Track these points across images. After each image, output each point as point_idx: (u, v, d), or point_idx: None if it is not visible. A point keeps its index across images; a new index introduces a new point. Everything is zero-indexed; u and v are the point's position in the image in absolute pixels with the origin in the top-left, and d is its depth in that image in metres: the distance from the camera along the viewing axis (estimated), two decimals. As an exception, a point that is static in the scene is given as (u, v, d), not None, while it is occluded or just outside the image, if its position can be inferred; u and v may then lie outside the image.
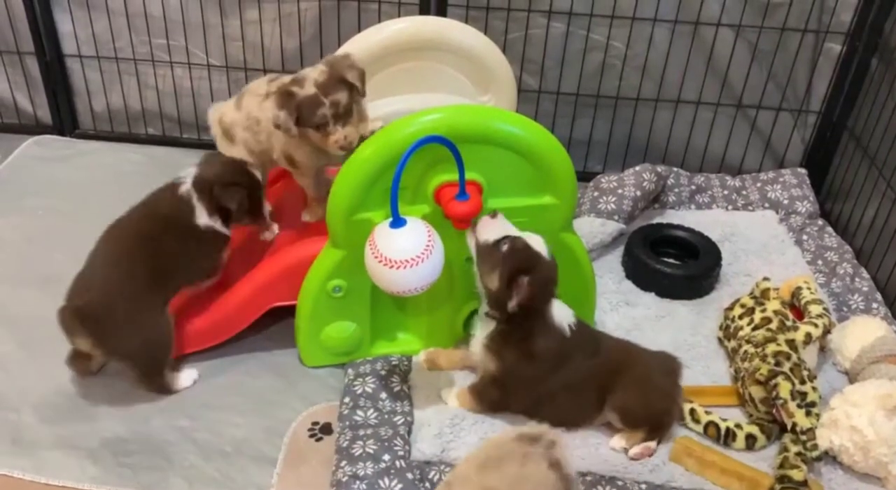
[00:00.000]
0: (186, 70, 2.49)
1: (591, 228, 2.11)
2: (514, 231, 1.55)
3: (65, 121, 2.61)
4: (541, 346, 1.56)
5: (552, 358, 1.57)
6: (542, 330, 1.56)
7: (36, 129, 2.62)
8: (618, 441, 1.61)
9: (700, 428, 1.63)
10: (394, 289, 1.52)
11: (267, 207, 1.78)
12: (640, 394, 1.58)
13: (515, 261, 1.51)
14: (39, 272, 2.02)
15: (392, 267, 1.48)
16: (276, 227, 1.81)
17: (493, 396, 1.64)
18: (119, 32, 2.45)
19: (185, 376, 1.73)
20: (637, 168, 2.23)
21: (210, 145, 2.61)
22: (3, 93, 2.59)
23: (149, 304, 1.64)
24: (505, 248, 1.52)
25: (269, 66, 2.44)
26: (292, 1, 2.34)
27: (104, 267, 1.64)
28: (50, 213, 2.25)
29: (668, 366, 1.63)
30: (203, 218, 1.68)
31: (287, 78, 1.71)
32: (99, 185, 2.39)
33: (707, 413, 1.64)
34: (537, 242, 1.55)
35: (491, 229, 1.55)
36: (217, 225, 1.70)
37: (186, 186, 1.69)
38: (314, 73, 1.66)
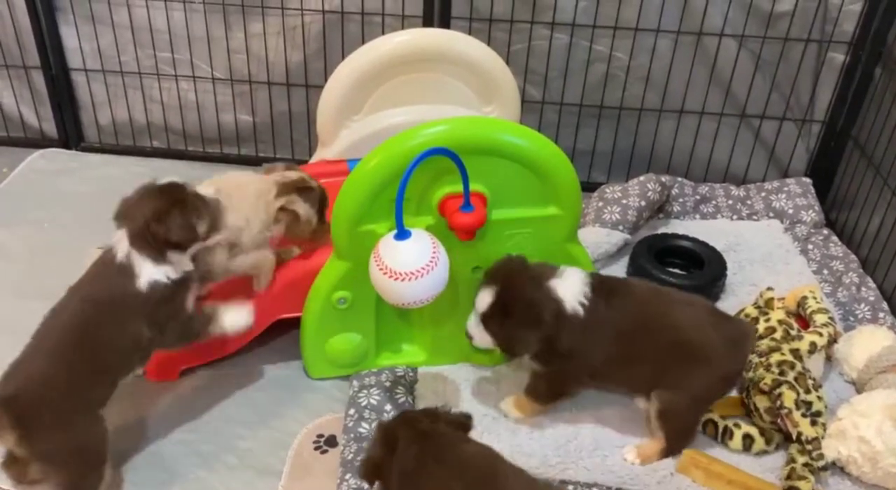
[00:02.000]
0: (191, 83, 2.50)
1: (597, 239, 2.11)
2: (486, 300, 1.54)
3: (70, 134, 2.62)
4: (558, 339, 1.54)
5: (570, 347, 1.55)
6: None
7: (42, 142, 2.63)
8: (632, 456, 1.60)
9: (699, 426, 1.63)
10: (399, 301, 1.52)
11: (209, 195, 1.53)
12: (689, 406, 1.57)
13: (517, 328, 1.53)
14: (44, 285, 2.00)
15: (397, 279, 1.48)
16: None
17: (542, 390, 1.64)
18: (124, 46, 2.46)
19: None
20: (641, 178, 2.23)
21: (215, 158, 2.64)
22: (9, 107, 2.60)
23: (86, 404, 1.45)
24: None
25: (273, 79, 2.45)
26: (296, 14, 2.35)
27: (36, 356, 1.44)
28: (55, 225, 2.26)
29: (731, 371, 1.58)
30: (147, 275, 1.46)
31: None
32: (104, 198, 2.35)
33: (706, 411, 1.64)
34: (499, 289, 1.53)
35: (479, 330, 1.56)
36: (168, 273, 1.48)
37: (123, 250, 1.47)
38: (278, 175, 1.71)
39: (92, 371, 1.45)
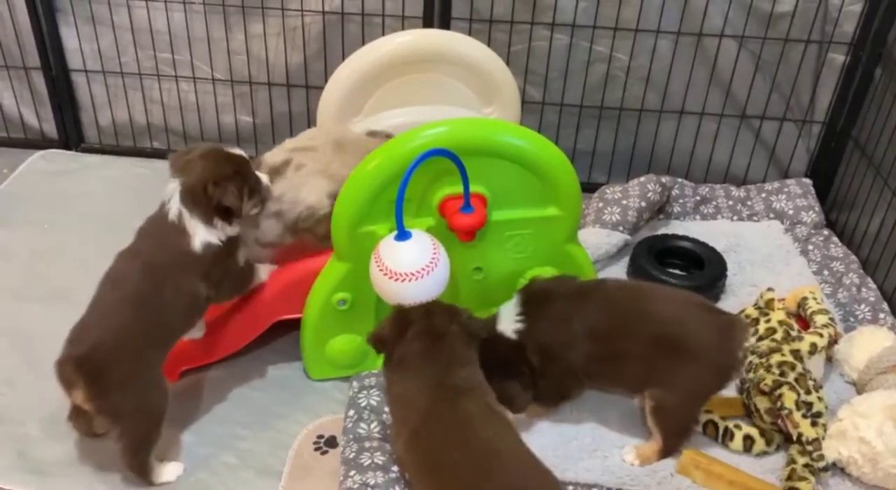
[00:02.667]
0: (191, 84, 2.50)
1: (597, 240, 2.11)
2: None
3: (70, 135, 2.62)
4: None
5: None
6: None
7: (42, 143, 2.63)
8: (631, 456, 1.60)
9: (699, 427, 1.63)
10: (399, 302, 1.52)
11: (264, 179, 1.62)
12: (682, 403, 1.56)
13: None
14: (45, 286, 2.03)
15: (397, 280, 1.48)
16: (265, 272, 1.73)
17: (543, 394, 1.62)
18: (124, 47, 2.46)
19: (170, 470, 1.55)
20: (642, 179, 2.23)
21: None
22: (9, 108, 2.60)
23: (150, 363, 1.51)
24: None
25: (273, 80, 2.45)
26: (296, 15, 2.35)
27: (103, 318, 1.49)
28: (56, 226, 2.26)
29: (722, 365, 1.55)
30: (200, 237, 1.54)
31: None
32: (104, 199, 2.40)
33: (706, 412, 1.64)
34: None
35: None
36: (220, 235, 1.56)
37: (174, 208, 1.54)
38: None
39: (155, 332, 1.51)
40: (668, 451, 1.59)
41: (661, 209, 2.31)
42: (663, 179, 2.27)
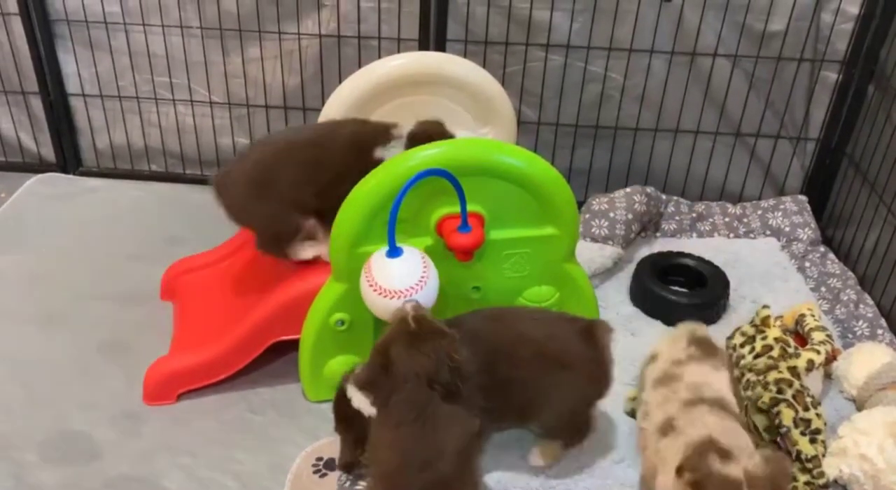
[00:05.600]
0: (189, 107, 2.52)
1: (590, 254, 2.11)
2: None
3: (68, 159, 2.63)
4: None
5: None
6: None
7: (40, 167, 2.64)
8: (536, 459, 1.58)
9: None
10: (386, 317, 1.52)
11: None
12: (567, 418, 1.54)
13: None
14: (43, 310, 2.03)
15: (385, 296, 1.48)
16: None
17: None
18: (122, 71, 2.48)
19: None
20: (628, 190, 2.24)
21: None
22: (7, 132, 2.61)
23: (272, 202, 1.74)
24: None
25: (271, 102, 2.47)
26: (293, 38, 2.37)
27: (249, 153, 1.82)
28: (54, 250, 2.26)
29: (596, 374, 1.53)
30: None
31: None
32: (103, 223, 2.40)
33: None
34: None
35: None
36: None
37: (399, 131, 1.74)
38: None
39: (281, 184, 1.74)
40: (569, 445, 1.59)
41: (657, 226, 2.31)
42: (648, 190, 2.28)
